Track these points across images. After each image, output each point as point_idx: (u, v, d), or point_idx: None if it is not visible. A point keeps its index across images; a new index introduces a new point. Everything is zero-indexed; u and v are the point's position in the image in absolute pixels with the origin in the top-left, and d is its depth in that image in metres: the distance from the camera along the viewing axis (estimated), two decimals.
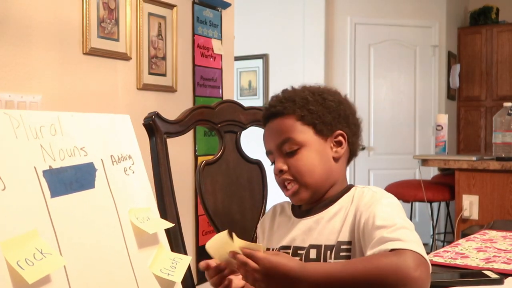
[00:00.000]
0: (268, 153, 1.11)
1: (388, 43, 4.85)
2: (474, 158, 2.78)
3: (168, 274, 1.08)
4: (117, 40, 2.33)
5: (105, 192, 1.05)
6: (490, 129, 4.85)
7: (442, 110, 4.98)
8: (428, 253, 1.14)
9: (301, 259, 1.01)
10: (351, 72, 4.76)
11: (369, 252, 0.90)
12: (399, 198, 3.71)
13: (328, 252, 1.00)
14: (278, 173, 1.06)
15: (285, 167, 1.06)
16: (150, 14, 2.51)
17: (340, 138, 1.07)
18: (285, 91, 1.12)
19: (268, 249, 1.09)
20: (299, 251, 1.04)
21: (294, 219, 1.10)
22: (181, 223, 1.27)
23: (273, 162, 1.10)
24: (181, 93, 2.69)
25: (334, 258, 0.98)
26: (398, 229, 0.90)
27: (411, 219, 3.83)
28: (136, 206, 1.11)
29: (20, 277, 0.80)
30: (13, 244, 0.83)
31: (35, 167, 0.91)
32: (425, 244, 4.58)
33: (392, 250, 0.85)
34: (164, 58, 2.59)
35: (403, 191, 3.30)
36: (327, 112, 1.06)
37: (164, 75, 2.59)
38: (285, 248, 1.06)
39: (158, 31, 2.57)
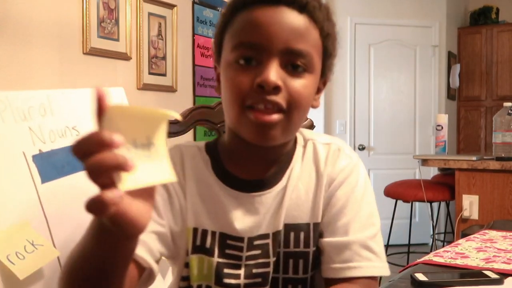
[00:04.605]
0: (253, 46, 0.73)
1: (388, 43, 4.85)
2: (474, 158, 2.78)
3: None
4: (117, 40, 2.33)
5: None
6: (490, 129, 4.84)
7: (442, 110, 4.98)
8: (428, 253, 1.14)
9: (275, 250, 0.80)
10: (351, 72, 4.76)
11: (333, 266, 0.79)
12: (399, 198, 3.67)
13: (302, 234, 0.81)
14: (271, 89, 0.72)
15: (280, 83, 0.73)
16: (150, 14, 2.51)
17: (322, 86, 0.84)
18: None
19: (204, 230, 0.80)
20: (263, 240, 0.81)
21: (239, 193, 0.81)
22: None
23: (247, 60, 0.74)
24: (181, 93, 2.69)
25: (313, 246, 0.81)
26: (371, 240, 0.80)
27: (411, 219, 3.84)
28: None
29: (10, 271, 0.78)
30: (3, 237, 0.79)
31: (23, 152, 0.88)
32: (425, 244, 4.58)
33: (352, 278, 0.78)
34: (164, 58, 2.59)
35: (403, 191, 3.30)
36: (333, 53, 0.82)
37: (164, 75, 2.59)
38: (254, 239, 0.80)
39: (158, 31, 2.57)
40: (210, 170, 0.82)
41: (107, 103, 0.50)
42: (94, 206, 0.49)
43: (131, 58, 2.40)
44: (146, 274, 0.75)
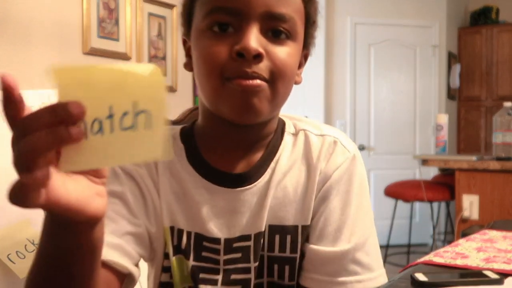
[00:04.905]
0: (229, 10, 0.65)
1: (388, 43, 4.85)
2: (474, 158, 2.77)
3: None
4: (117, 40, 2.33)
5: None
6: (490, 129, 4.84)
7: (442, 110, 4.98)
8: (428, 253, 1.14)
9: (257, 249, 0.72)
10: (351, 72, 4.75)
11: (317, 277, 0.72)
12: (399, 198, 3.67)
13: (289, 237, 0.72)
14: (252, 58, 0.64)
15: (262, 51, 0.65)
16: (150, 14, 2.51)
17: (303, 60, 0.77)
18: None
19: (180, 230, 0.73)
20: (244, 242, 0.72)
21: (217, 188, 0.72)
22: None
23: (222, 27, 0.66)
24: (181, 93, 2.70)
25: (301, 249, 0.73)
26: (360, 250, 0.73)
27: (411, 219, 3.85)
28: None
29: (11, 271, 0.78)
30: (3, 236, 0.79)
31: None
32: (425, 244, 4.58)
33: None
34: (164, 58, 2.59)
35: (404, 191, 3.30)
36: (316, 21, 0.76)
37: (164, 75, 2.60)
38: (233, 240, 0.72)
39: (158, 31, 2.57)
40: (185, 161, 0.73)
41: (19, 93, 0.38)
42: (15, 194, 0.39)
43: (131, 58, 2.40)
44: (125, 279, 0.69)
